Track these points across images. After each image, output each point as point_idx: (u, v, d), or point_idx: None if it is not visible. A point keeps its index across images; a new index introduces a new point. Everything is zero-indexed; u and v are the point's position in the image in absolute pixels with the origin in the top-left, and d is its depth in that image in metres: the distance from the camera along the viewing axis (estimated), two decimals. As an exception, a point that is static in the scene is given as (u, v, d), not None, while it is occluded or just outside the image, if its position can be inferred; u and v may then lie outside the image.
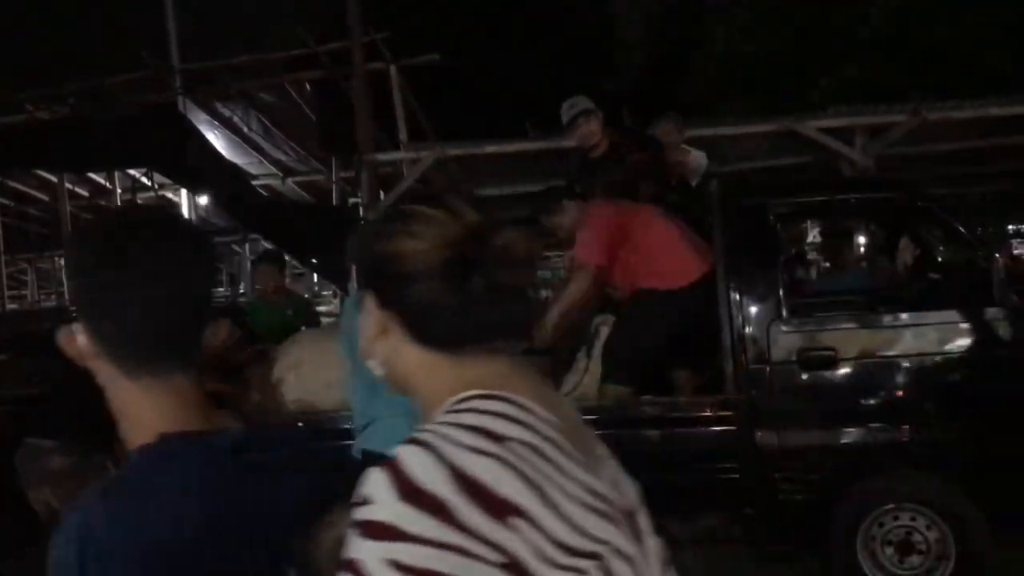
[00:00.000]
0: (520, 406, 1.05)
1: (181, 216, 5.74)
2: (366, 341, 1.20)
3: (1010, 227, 17.64)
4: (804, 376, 4.39)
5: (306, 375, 4.98)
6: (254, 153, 12.36)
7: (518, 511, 0.95)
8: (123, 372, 1.17)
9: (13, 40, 11.21)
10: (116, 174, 12.88)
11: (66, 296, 13.26)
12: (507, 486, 0.96)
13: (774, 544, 4.67)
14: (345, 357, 4.06)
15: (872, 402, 4.39)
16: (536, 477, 0.98)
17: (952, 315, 4.40)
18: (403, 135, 9.48)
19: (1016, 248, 17.20)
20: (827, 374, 4.40)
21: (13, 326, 10.81)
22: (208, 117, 10.96)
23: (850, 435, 4.37)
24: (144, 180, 13.21)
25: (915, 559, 4.27)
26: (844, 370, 4.40)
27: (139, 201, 13.70)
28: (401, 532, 0.92)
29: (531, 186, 8.63)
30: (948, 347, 4.38)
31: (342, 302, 12.75)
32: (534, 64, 17.76)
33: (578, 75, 17.38)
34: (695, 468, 4.51)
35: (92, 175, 13.02)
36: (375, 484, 0.96)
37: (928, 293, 4.79)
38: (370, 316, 1.18)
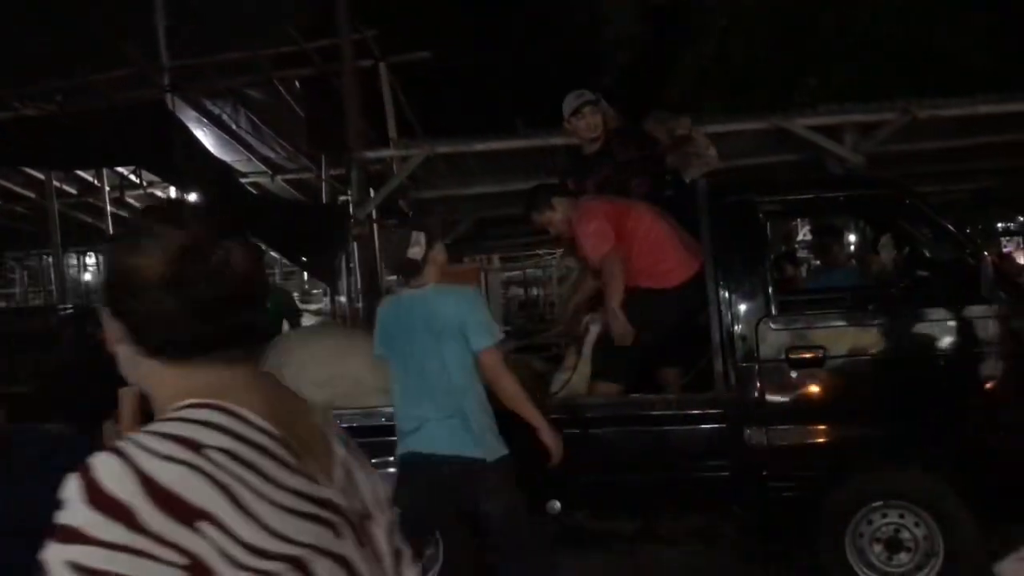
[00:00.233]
0: (231, 414, 1.10)
1: None
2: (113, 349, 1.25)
3: (999, 225, 17.71)
4: (793, 374, 4.40)
5: (293, 374, 4.95)
6: (243, 151, 12.31)
7: (205, 515, 1.00)
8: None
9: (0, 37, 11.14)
10: (105, 172, 12.81)
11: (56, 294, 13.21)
12: (196, 492, 1.01)
13: (763, 542, 4.69)
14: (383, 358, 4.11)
15: (861, 400, 4.40)
16: (230, 483, 1.03)
17: (940, 313, 4.41)
18: (393, 132, 9.46)
19: (1005, 246, 17.29)
20: (816, 372, 4.40)
21: (1, 325, 10.76)
22: (197, 114, 10.91)
23: (839, 433, 4.37)
24: (132, 177, 13.18)
25: (903, 556, 4.29)
26: (833, 368, 4.40)
27: (127, 199, 13.66)
28: (86, 536, 0.97)
29: (521, 184, 8.61)
30: (936, 345, 4.39)
31: (332, 300, 12.74)
32: (523, 62, 17.74)
33: (566, 73, 17.37)
34: (684, 466, 4.51)
35: (80, 173, 12.95)
36: (70, 489, 1.01)
37: (917, 291, 4.79)
38: (108, 326, 1.23)
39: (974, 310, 4.33)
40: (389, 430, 4.75)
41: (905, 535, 4.29)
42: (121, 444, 1.05)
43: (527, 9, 18.55)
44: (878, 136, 7.62)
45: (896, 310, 4.49)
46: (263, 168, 13.11)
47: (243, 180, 11.82)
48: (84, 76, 10.06)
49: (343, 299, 11.05)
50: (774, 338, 4.43)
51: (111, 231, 13.53)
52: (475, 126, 8.54)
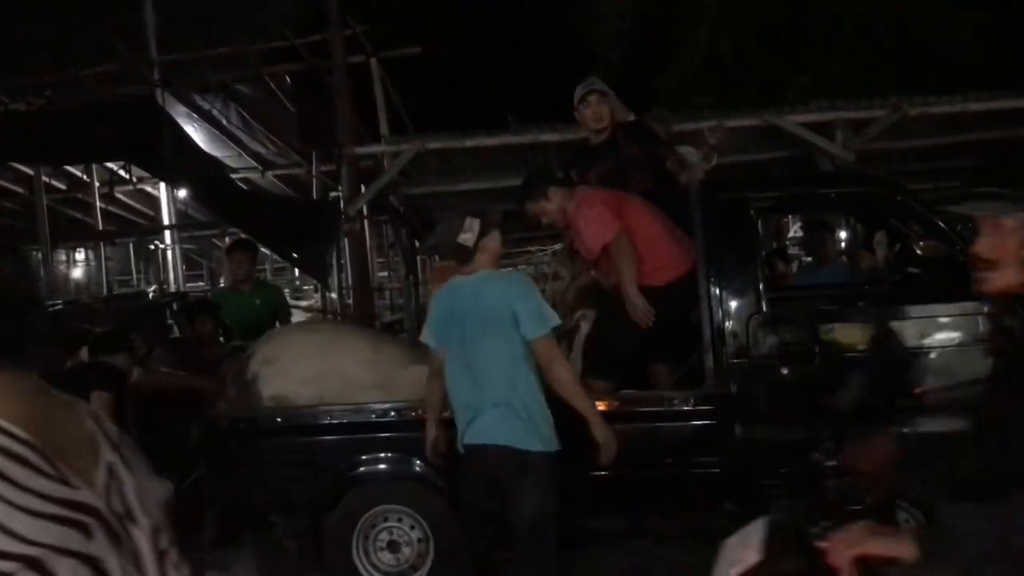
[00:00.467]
0: None
1: None
2: None
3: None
4: (784, 370, 4.39)
5: (282, 370, 4.93)
6: (233, 146, 12.27)
7: None
8: None
9: (-12, 31, 11.08)
10: (94, 167, 12.75)
11: (45, 290, 13.14)
12: None
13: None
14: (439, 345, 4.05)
15: (852, 396, 4.39)
16: None
17: (931, 309, 4.41)
18: (384, 128, 9.43)
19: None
20: (807, 368, 4.40)
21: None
22: (187, 110, 10.87)
23: (830, 429, 4.36)
24: (122, 173, 13.12)
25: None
26: (823, 364, 4.40)
27: (117, 194, 13.60)
28: None
29: (512, 180, 8.60)
30: (928, 340, 4.39)
31: (323, 296, 12.72)
32: (514, 58, 17.72)
33: (557, 69, 17.35)
34: (676, 463, 4.50)
35: (70, 168, 12.89)
36: None
37: (908, 287, 4.79)
38: None
39: (965, 306, 4.34)
40: (379, 426, 4.75)
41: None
42: None
43: (519, 6, 18.53)
44: (869, 133, 7.64)
45: (887, 307, 4.49)
46: (253, 164, 13.08)
47: (233, 176, 11.76)
48: (73, 71, 10.01)
49: (334, 295, 11.03)
50: (765, 334, 4.42)
51: (100, 227, 13.50)
52: (466, 122, 8.51)
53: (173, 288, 12.82)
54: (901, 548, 1.61)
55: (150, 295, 13.02)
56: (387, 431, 4.75)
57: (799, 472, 4.28)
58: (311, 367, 4.95)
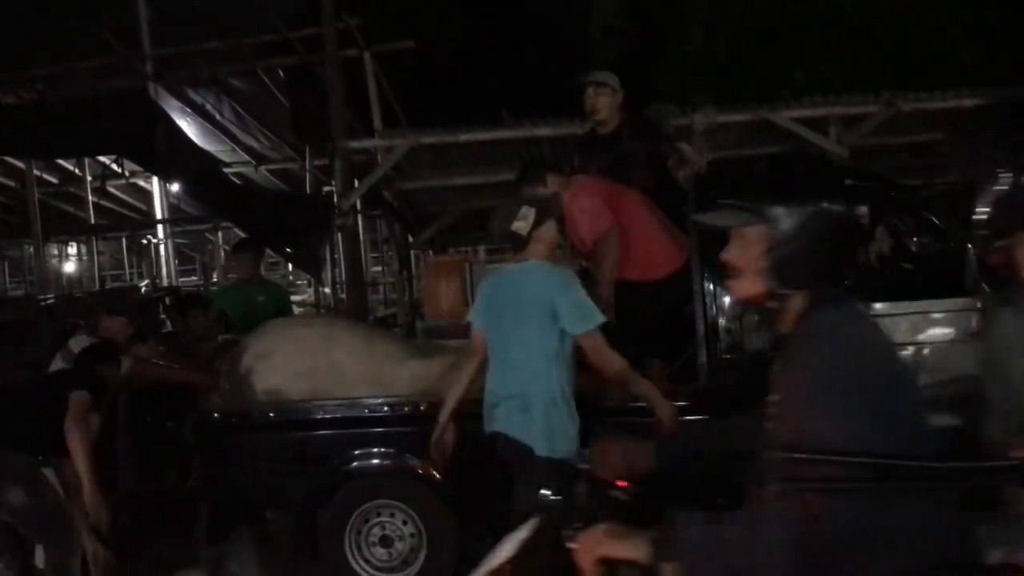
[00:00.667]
0: None
1: None
2: None
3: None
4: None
5: (276, 365, 4.93)
6: (226, 140, 12.23)
7: None
8: None
9: (-20, 24, 11.03)
10: (86, 161, 12.71)
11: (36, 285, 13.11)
12: None
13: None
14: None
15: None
16: None
17: (925, 305, 4.41)
18: (377, 123, 9.41)
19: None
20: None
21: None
22: (179, 103, 10.83)
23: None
24: (114, 167, 13.07)
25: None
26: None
27: (109, 188, 13.56)
28: None
29: (507, 175, 8.58)
30: (921, 336, 4.40)
31: (316, 291, 12.69)
32: (509, 53, 17.68)
33: (552, 64, 17.31)
34: (668, 458, 4.49)
35: (61, 162, 12.85)
36: None
37: (902, 283, 4.80)
38: None
39: (958, 303, 4.34)
40: (371, 421, 4.75)
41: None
42: None
43: (514, 1, 18.49)
44: (863, 128, 7.64)
45: (881, 302, 4.49)
46: (247, 158, 13.04)
47: (227, 170, 11.72)
48: (66, 64, 9.97)
49: (327, 290, 11.01)
50: (759, 330, 4.42)
51: (93, 221, 13.46)
52: (460, 117, 8.49)
53: (166, 282, 12.78)
54: (637, 550, 1.70)
55: (142, 289, 12.99)
56: (380, 426, 4.75)
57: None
58: (304, 361, 4.95)
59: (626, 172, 5.20)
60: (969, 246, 4.37)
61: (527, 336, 3.74)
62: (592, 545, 1.76)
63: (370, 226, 11.58)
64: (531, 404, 3.70)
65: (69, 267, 17.71)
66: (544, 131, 7.77)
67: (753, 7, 12.70)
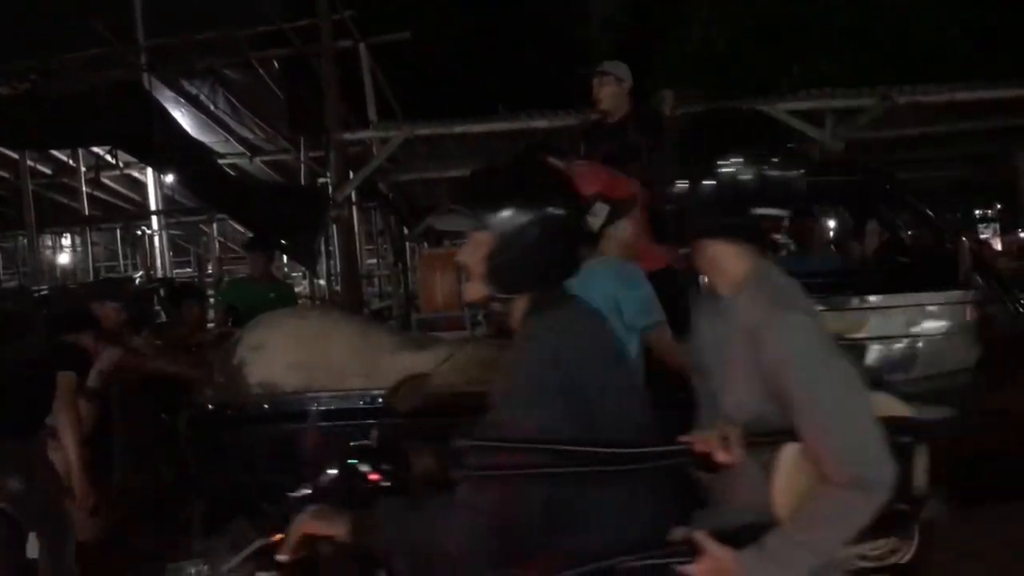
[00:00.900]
0: None
1: None
2: None
3: (976, 212, 17.85)
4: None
5: (269, 357, 4.91)
6: (221, 132, 12.20)
7: None
8: None
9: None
10: (80, 152, 12.67)
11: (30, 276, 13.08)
12: None
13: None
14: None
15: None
16: None
17: (918, 298, 4.42)
18: (372, 114, 9.39)
19: (981, 232, 17.43)
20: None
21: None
22: (174, 94, 10.81)
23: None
24: (109, 158, 13.03)
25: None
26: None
27: (103, 179, 13.52)
28: None
29: (501, 167, 8.57)
30: (914, 329, 4.41)
31: (311, 283, 12.68)
32: (505, 45, 17.65)
33: (548, 56, 17.29)
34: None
35: (55, 153, 12.80)
36: None
37: (896, 276, 4.81)
38: None
39: (951, 295, 4.35)
40: (367, 413, 4.74)
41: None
42: None
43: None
44: (858, 121, 7.65)
45: (875, 295, 4.51)
46: (241, 149, 13.01)
47: (221, 161, 11.69)
48: (59, 56, 9.93)
49: (322, 282, 11.01)
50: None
51: (87, 212, 13.42)
52: (455, 109, 8.49)
53: (160, 274, 12.76)
54: (337, 528, 1.85)
55: (136, 281, 12.96)
56: (375, 418, 4.74)
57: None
58: (298, 354, 4.93)
59: (626, 164, 5.19)
60: (963, 239, 4.39)
61: None
62: (300, 524, 1.91)
63: (365, 218, 11.55)
64: None
65: (63, 258, 17.63)
66: (540, 123, 7.78)
67: (753, 7, 12.70)
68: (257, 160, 13.31)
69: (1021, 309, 4.33)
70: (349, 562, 1.91)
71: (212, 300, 8.27)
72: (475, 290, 1.98)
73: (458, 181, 9.21)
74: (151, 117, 8.40)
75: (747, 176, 1.86)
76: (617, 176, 4.89)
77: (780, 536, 1.70)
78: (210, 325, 6.94)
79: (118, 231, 16.61)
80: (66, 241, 17.22)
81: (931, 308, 4.41)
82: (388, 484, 2.11)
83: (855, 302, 4.50)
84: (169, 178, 11.91)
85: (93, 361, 4.58)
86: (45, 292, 9.57)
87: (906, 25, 12.07)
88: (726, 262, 1.91)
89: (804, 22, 12.67)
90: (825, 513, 1.70)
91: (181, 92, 10.96)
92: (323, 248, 9.73)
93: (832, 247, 8.11)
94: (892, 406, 1.84)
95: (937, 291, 4.38)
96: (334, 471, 2.17)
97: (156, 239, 13.65)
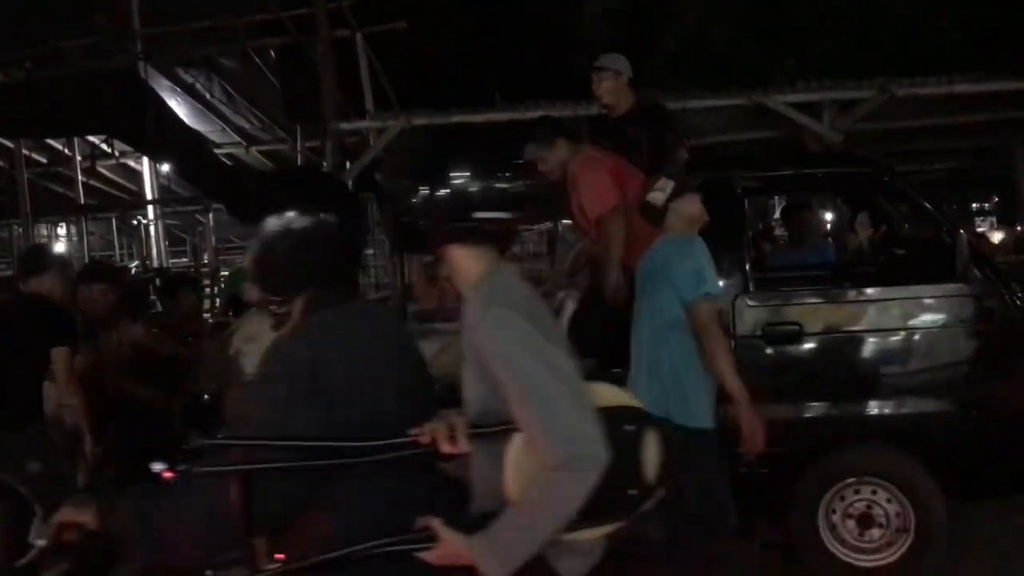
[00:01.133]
0: None
1: None
2: None
3: (973, 205, 17.87)
4: (769, 350, 4.39)
5: (264, 347, 4.89)
6: (217, 121, 12.16)
7: None
8: None
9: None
10: (75, 141, 12.62)
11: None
12: None
13: (736, 519, 4.70)
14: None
15: (835, 376, 4.40)
16: None
17: (915, 290, 4.41)
18: (369, 104, 9.36)
19: (978, 225, 17.45)
20: (791, 348, 4.40)
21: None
22: (169, 83, 10.76)
23: (813, 409, 4.38)
24: (104, 147, 12.99)
25: (875, 532, 4.31)
26: (808, 344, 4.40)
27: (99, 168, 13.47)
28: None
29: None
30: (911, 322, 4.40)
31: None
32: (502, 36, 17.61)
33: (544, 46, 17.25)
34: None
35: (51, 141, 12.75)
36: None
37: (893, 268, 4.79)
38: None
39: (949, 288, 4.34)
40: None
41: (877, 511, 4.31)
42: None
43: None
44: (856, 113, 7.64)
45: (872, 288, 4.49)
46: (237, 139, 12.97)
47: (217, 151, 11.66)
48: (54, 43, 9.88)
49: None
50: (750, 314, 4.41)
51: (82, 201, 13.38)
52: (452, 99, 8.46)
53: (156, 264, 12.73)
54: (83, 515, 1.85)
55: (132, 271, 12.93)
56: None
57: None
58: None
59: (631, 161, 5.18)
60: (961, 232, 4.37)
61: (654, 308, 3.71)
62: (59, 512, 1.90)
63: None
64: (668, 375, 3.63)
65: (58, 248, 17.61)
66: (536, 113, 7.74)
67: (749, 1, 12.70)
68: (253, 150, 13.27)
69: (1019, 303, 4.32)
70: (101, 548, 1.90)
71: (208, 290, 8.26)
72: (251, 291, 2.09)
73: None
74: (147, 106, 8.36)
75: (473, 185, 2.01)
76: (624, 166, 4.87)
77: (503, 520, 1.80)
78: (206, 315, 6.93)
79: (114, 220, 16.58)
80: (61, 230, 17.17)
81: (928, 301, 4.40)
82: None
83: (852, 294, 4.49)
84: (165, 167, 11.88)
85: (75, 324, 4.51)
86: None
87: (903, 22, 12.07)
88: (461, 264, 2.04)
89: (800, 15, 12.65)
90: (540, 496, 1.78)
91: (177, 81, 10.92)
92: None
93: (830, 239, 8.12)
94: (617, 396, 1.94)
95: (934, 284, 4.37)
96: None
97: (152, 228, 13.62)
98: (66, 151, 13.05)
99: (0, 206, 14.25)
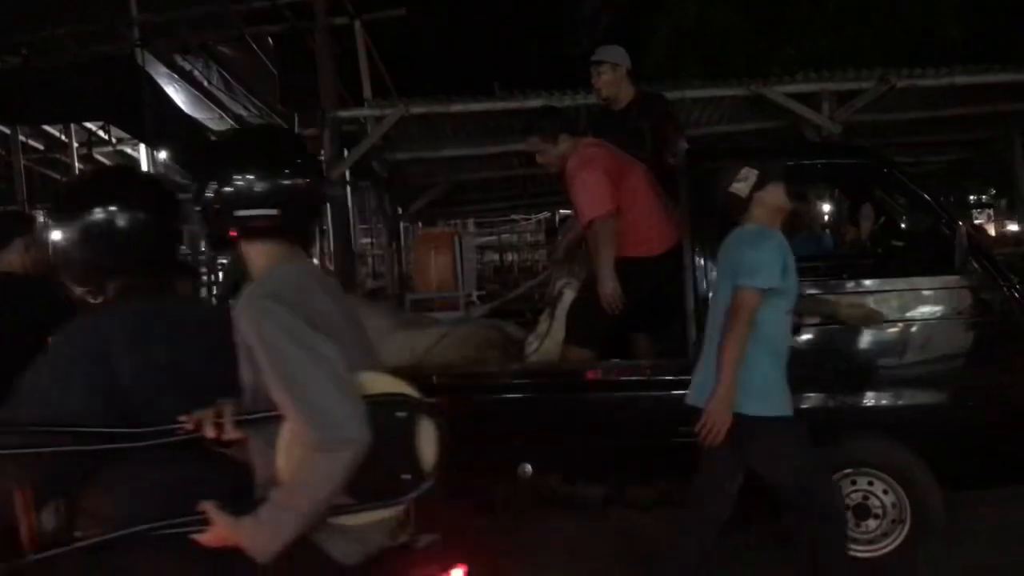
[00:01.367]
0: None
1: None
2: None
3: (971, 197, 17.87)
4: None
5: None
6: (214, 108, 12.12)
7: None
8: None
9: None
10: (72, 127, 12.57)
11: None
12: None
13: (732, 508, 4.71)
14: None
15: (832, 367, 4.41)
16: None
17: (913, 282, 4.41)
18: (367, 92, 9.33)
19: (976, 218, 17.46)
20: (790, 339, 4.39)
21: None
22: (167, 70, 10.70)
23: (810, 400, 4.38)
24: (101, 134, 12.94)
25: (871, 523, 4.32)
26: (806, 335, 4.40)
27: (96, 155, 13.43)
28: None
29: (496, 147, 8.54)
30: (909, 314, 4.40)
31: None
32: (501, 24, 17.57)
33: (543, 36, 17.22)
34: (656, 432, 4.50)
35: (47, 128, 12.70)
36: None
37: (891, 260, 4.79)
38: None
39: (947, 280, 4.34)
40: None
41: (874, 502, 4.32)
42: None
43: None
44: (855, 104, 7.62)
45: (870, 279, 4.49)
46: (235, 126, 12.92)
47: (214, 138, 11.63)
48: (51, 29, 9.83)
49: (315, 261, 10.98)
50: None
51: (79, 188, 13.33)
52: (451, 88, 8.43)
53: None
54: None
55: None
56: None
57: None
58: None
59: (632, 152, 5.17)
60: (960, 223, 4.37)
61: (721, 296, 3.70)
62: None
63: (359, 197, 11.51)
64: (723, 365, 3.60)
65: (55, 235, 17.60)
66: (536, 102, 7.72)
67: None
68: (251, 137, 13.23)
69: (1017, 295, 4.32)
70: None
71: (204, 278, 8.24)
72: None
73: (455, 160, 9.18)
74: (144, 93, 8.34)
75: (241, 184, 2.07)
76: (624, 159, 4.86)
77: (269, 502, 1.90)
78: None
79: (111, 207, 16.55)
80: (58, 217, 17.15)
81: (926, 293, 4.40)
82: None
83: (850, 286, 4.49)
84: (162, 154, 11.84)
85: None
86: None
87: (900, 8, 12.05)
88: (250, 259, 2.15)
89: (800, 5, 12.63)
90: (300, 477, 1.88)
91: (174, 67, 10.86)
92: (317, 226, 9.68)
93: (828, 230, 8.12)
94: (392, 384, 2.03)
95: (932, 276, 4.37)
96: None
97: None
98: (63, 137, 13.00)
99: (-4, 193, 14.22)
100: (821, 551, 3.69)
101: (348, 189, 9.11)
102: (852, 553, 4.25)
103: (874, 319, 4.28)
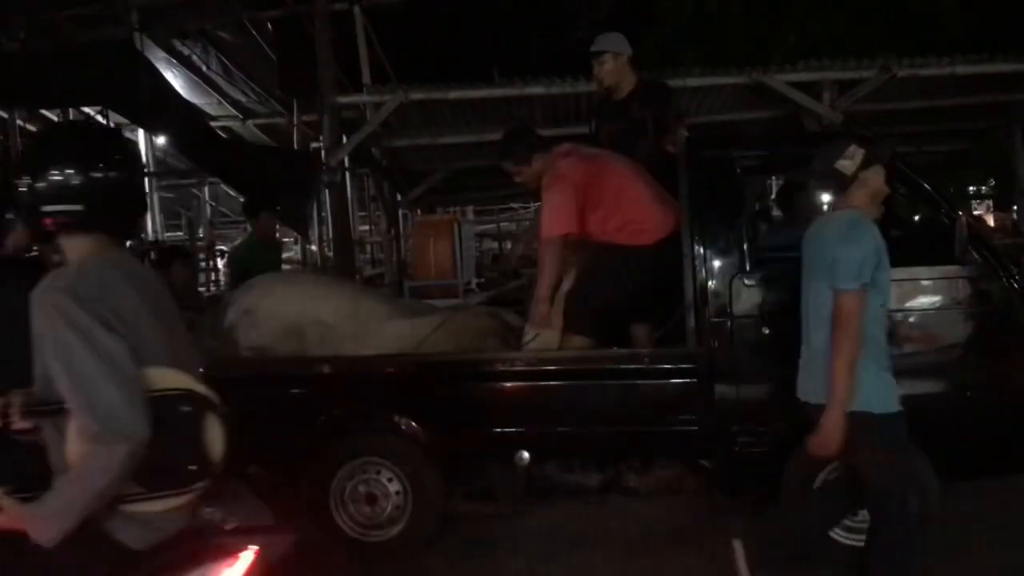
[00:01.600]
0: None
1: None
2: None
3: (970, 188, 17.83)
4: (765, 330, 4.38)
5: (259, 321, 4.88)
6: (213, 93, 12.09)
7: None
8: None
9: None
10: (69, 112, 12.53)
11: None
12: None
13: (730, 495, 4.72)
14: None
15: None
16: None
17: (913, 272, 4.39)
18: (366, 78, 9.30)
19: (975, 208, 17.43)
20: (788, 328, 4.38)
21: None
22: (165, 55, 10.67)
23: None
24: (99, 118, 12.89)
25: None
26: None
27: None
28: None
29: (496, 134, 8.50)
30: (908, 303, 4.39)
31: (303, 249, 12.62)
32: (500, 10, 17.48)
33: (543, 22, 17.11)
34: (654, 420, 4.50)
35: (45, 112, 12.66)
36: None
37: (891, 250, 4.77)
38: None
39: (947, 270, 4.33)
40: (357, 378, 4.73)
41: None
42: None
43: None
44: (857, 93, 7.60)
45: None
46: (234, 112, 12.90)
47: (213, 124, 11.60)
48: (49, 13, 9.77)
49: (314, 248, 10.95)
50: (748, 294, 4.40)
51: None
52: (451, 74, 8.40)
53: (151, 237, 12.67)
54: None
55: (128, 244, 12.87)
56: (366, 383, 4.73)
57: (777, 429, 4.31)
58: (290, 318, 4.91)
59: (635, 141, 5.14)
60: (960, 214, 4.35)
61: (815, 290, 3.65)
62: None
63: (358, 184, 11.48)
64: (819, 361, 3.58)
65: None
66: (535, 89, 7.71)
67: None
68: (249, 123, 13.21)
69: (1017, 285, 4.31)
70: None
71: (203, 264, 8.22)
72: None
73: (454, 147, 9.16)
74: (142, 78, 8.29)
75: (48, 180, 2.11)
76: (601, 160, 4.86)
77: (54, 489, 1.98)
78: (201, 289, 6.93)
79: (109, 193, 16.50)
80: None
81: (926, 283, 4.39)
82: None
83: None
84: (160, 140, 11.80)
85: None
86: (35, 254, 9.48)
87: (904, 1, 11.99)
88: (65, 252, 2.19)
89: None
90: (82, 467, 1.96)
91: (173, 53, 10.82)
92: (315, 213, 9.66)
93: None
94: (180, 380, 2.12)
95: (933, 266, 4.36)
96: None
97: (147, 202, 13.53)
98: (61, 122, 12.96)
99: (-6, 178, 14.17)
100: (876, 551, 3.68)
101: (347, 176, 9.07)
102: (848, 542, 4.26)
103: None
